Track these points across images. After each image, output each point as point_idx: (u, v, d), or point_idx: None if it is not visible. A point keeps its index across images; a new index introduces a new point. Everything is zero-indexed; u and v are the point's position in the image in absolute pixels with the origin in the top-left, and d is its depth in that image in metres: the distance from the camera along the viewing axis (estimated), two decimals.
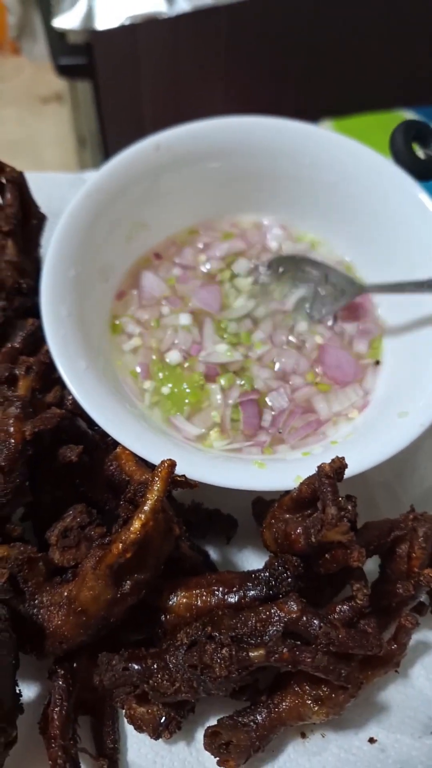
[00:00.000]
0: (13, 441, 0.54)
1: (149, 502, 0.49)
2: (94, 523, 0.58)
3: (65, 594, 0.51)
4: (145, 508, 0.48)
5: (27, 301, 0.67)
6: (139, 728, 0.52)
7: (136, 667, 0.50)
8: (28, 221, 0.68)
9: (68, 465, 0.57)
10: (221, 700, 0.54)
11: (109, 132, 1.73)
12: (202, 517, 0.66)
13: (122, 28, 1.39)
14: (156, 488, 0.49)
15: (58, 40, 1.51)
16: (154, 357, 0.69)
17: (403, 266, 0.67)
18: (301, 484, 0.51)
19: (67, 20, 1.40)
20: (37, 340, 0.66)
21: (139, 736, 0.54)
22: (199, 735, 0.54)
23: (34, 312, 0.69)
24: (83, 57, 1.52)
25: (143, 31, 1.44)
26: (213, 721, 0.54)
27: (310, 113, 1.55)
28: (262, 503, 0.64)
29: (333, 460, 0.49)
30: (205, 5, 1.40)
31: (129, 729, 0.54)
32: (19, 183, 0.66)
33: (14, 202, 0.65)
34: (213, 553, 0.65)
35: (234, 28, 1.46)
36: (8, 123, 3.05)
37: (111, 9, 1.39)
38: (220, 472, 0.55)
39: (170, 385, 0.67)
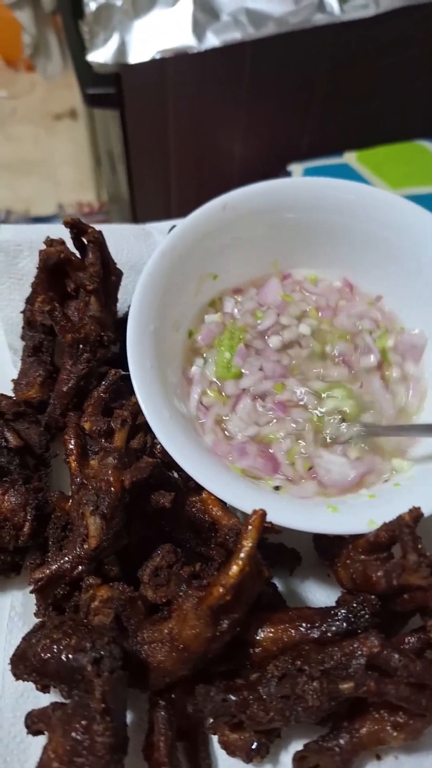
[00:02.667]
0: (113, 490, 0.59)
1: (245, 549, 0.54)
2: (180, 561, 0.63)
3: (166, 632, 0.56)
4: (242, 555, 0.54)
5: (107, 352, 0.73)
6: (232, 753, 0.58)
7: (233, 698, 0.55)
8: (108, 278, 0.73)
9: (158, 509, 0.63)
10: (303, 725, 0.59)
11: (134, 158, 1.79)
12: (269, 551, 0.71)
13: (152, 61, 1.44)
14: (251, 536, 0.54)
15: (85, 69, 1.56)
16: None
17: None
18: (379, 530, 0.57)
19: (100, 55, 1.45)
20: (118, 388, 0.71)
21: (230, 760, 0.59)
22: (284, 758, 0.59)
23: (114, 362, 0.75)
24: (111, 87, 1.57)
25: (171, 63, 1.49)
26: (296, 745, 0.59)
27: (332, 144, 1.61)
28: (325, 538, 0.69)
29: (411, 510, 0.54)
30: (234, 40, 1.45)
31: (219, 753, 0.59)
32: (100, 243, 0.71)
33: (96, 261, 0.70)
34: (278, 585, 0.70)
35: (258, 61, 1.51)
36: (23, 140, 3.10)
37: (143, 43, 1.44)
38: (300, 516, 0.61)
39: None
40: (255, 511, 0.55)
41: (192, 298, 0.77)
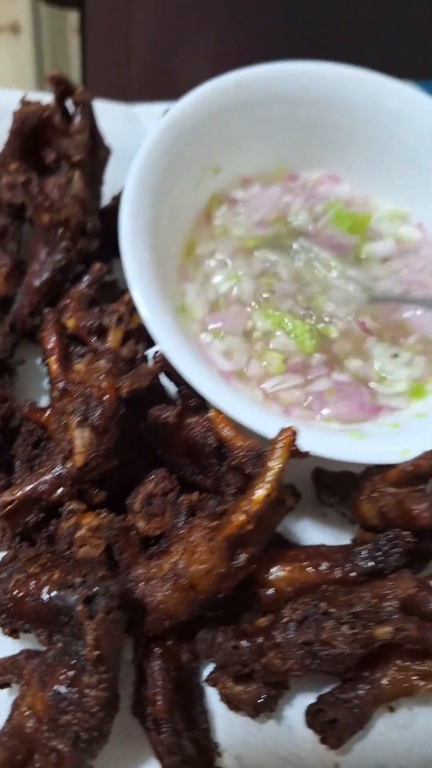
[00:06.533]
0: (107, 397, 0.48)
1: (273, 471, 0.45)
2: (176, 490, 0.54)
3: (168, 567, 0.47)
4: (269, 477, 0.45)
5: (89, 244, 0.60)
6: (234, 707, 0.49)
7: (247, 645, 0.47)
8: (96, 153, 0.60)
9: (152, 426, 0.53)
10: (309, 675, 0.52)
11: (91, 68, 1.61)
12: None
13: None
14: (281, 456, 0.45)
15: None
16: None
17: None
18: (420, 458, 0.50)
19: None
20: (101, 287, 0.60)
21: (229, 715, 0.51)
22: (288, 713, 0.52)
23: (92, 260, 0.63)
24: None
25: None
26: (302, 698, 0.52)
27: None
28: (328, 473, 0.61)
29: None
30: None
31: (216, 707, 0.51)
32: (89, 106, 0.58)
33: (85, 128, 0.58)
34: None
35: None
36: None
37: None
38: (326, 442, 0.53)
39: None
40: (285, 429, 0.46)
41: (191, 191, 0.65)
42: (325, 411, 0.60)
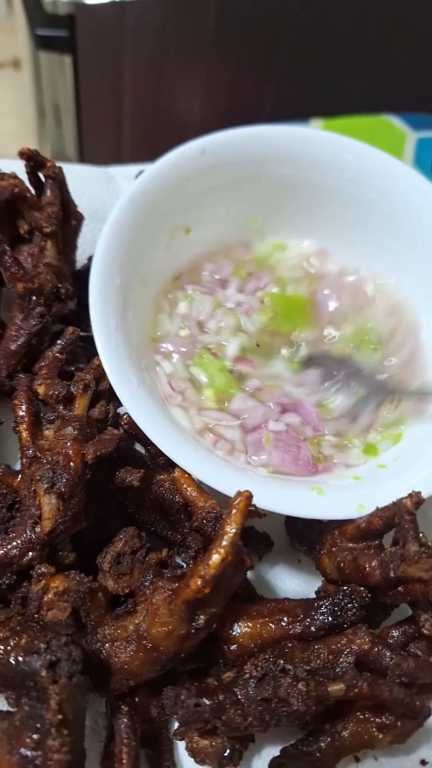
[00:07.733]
0: (72, 465, 0.51)
1: (228, 536, 0.47)
2: (145, 547, 0.56)
3: (132, 628, 0.49)
4: (224, 542, 0.47)
5: (64, 307, 0.63)
6: (201, 761, 0.51)
7: (208, 702, 0.49)
8: (68, 222, 0.63)
9: (123, 488, 0.55)
10: (276, 728, 0.53)
11: (85, 108, 1.66)
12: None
13: (111, 3, 1.34)
14: (234, 521, 0.47)
15: (35, 8, 1.42)
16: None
17: None
18: (373, 516, 0.51)
19: None
20: (73, 351, 0.63)
21: (196, 767, 0.53)
22: (257, 764, 0.54)
23: (67, 320, 0.66)
24: (63, 29, 1.44)
25: (131, 8, 1.38)
26: (270, 750, 0.54)
27: (294, 110, 1.54)
28: (299, 522, 0.63)
29: (411, 495, 0.49)
30: None
31: (185, 760, 0.53)
32: (60, 180, 0.61)
33: (55, 200, 0.61)
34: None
35: (223, 14, 1.42)
36: None
37: None
38: (285, 500, 0.55)
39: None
40: (240, 493, 0.48)
41: (162, 252, 0.68)
42: (256, 457, 0.62)
